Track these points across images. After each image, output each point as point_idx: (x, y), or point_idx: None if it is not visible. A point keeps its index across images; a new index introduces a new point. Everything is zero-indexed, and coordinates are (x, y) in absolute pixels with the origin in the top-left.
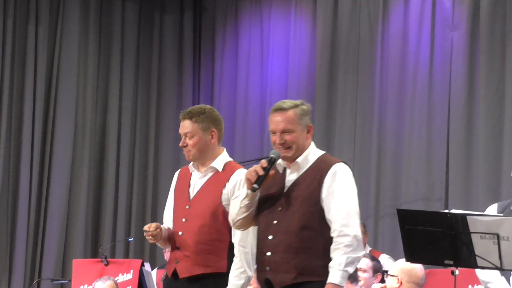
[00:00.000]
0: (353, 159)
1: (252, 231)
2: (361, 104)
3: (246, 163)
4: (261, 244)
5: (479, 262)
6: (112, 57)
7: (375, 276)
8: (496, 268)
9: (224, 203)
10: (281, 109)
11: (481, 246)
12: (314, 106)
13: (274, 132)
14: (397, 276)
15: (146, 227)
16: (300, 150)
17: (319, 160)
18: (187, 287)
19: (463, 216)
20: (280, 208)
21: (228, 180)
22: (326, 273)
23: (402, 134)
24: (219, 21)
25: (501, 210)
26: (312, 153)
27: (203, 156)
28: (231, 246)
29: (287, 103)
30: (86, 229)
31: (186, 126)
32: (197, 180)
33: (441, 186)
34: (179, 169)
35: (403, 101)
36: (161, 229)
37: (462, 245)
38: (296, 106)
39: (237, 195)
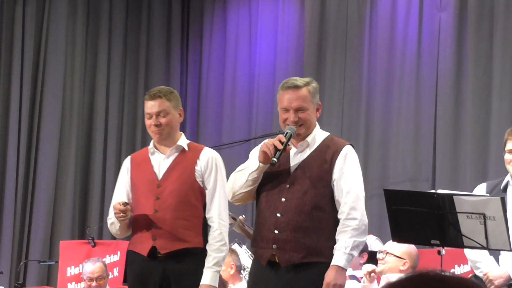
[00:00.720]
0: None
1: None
2: (349, 85)
3: (232, 145)
4: (267, 222)
5: (466, 242)
6: (100, 37)
7: (361, 256)
8: (482, 247)
9: (198, 179)
10: (295, 87)
11: (468, 226)
12: None
13: (286, 110)
14: (405, 260)
15: (118, 206)
16: (310, 129)
17: (328, 141)
18: (165, 265)
19: (450, 196)
20: (288, 186)
21: (198, 158)
22: (333, 255)
23: (390, 115)
24: (207, 1)
25: (490, 190)
26: (319, 133)
27: (172, 135)
28: (205, 223)
29: (300, 80)
30: (74, 211)
31: (159, 105)
32: (162, 161)
33: (428, 167)
34: (129, 156)
35: (391, 81)
36: (129, 208)
37: (449, 225)
38: (308, 83)
39: (242, 167)
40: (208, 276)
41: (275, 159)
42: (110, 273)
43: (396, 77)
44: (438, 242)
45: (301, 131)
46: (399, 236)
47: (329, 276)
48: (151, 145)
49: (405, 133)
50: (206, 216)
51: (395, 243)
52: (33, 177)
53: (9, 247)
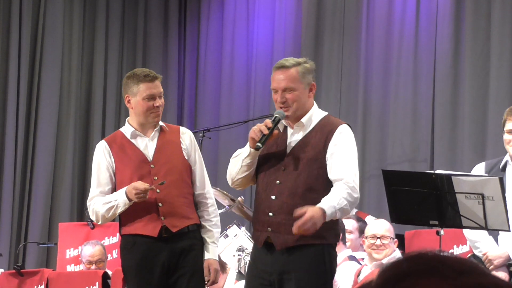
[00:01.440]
0: None
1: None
2: (347, 66)
3: (230, 127)
4: (263, 204)
5: (464, 222)
6: (97, 18)
7: (362, 237)
8: (480, 227)
9: (186, 157)
10: (283, 67)
11: (466, 206)
12: None
13: (276, 90)
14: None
15: (144, 186)
16: (303, 109)
17: (324, 121)
18: (172, 244)
19: (448, 177)
20: (283, 168)
21: (180, 137)
22: (327, 237)
23: (388, 95)
24: None
25: (488, 169)
26: (316, 114)
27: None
28: (195, 199)
29: (290, 60)
30: (72, 193)
31: (159, 85)
32: (148, 142)
33: (426, 147)
34: (103, 141)
35: (388, 62)
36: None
37: (447, 205)
38: (298, 64)
39: (238, 153)
40: (212, 251)
41: (259, 144)
42: (109, 255)
43: (394, 57)
44: (436, 222)
45: (289, 113)
46: (397, 216)
47: (313, 211)
48: (129, 128)
49: (403, 114)
50: (200, 192)
51: (381, 225)
52: (32, 159)
53: (8, 230)
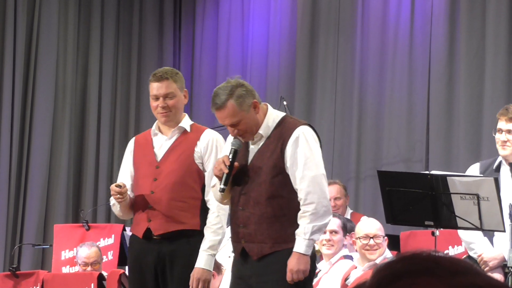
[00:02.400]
0: (334, 121)
1: None
2: (342, 66)
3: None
4: (234, 216)
5: (459, 222)
6: (92, 20)
7: (349, 236)
8: (476, 228)
9: (197, 161)
10: (218, 107)
11: (461, 207)
12: (295, 68)
13: (226, 126)
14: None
15: (114, 188)
16: (257, 126)
17: (279, 125)
18: (160, 247)
19: (443, 177)
20: (247, 179)
21: (199, 139)
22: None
23: (383, 96)
24: None
25: (483, 170)
26: (271, 119)
27: (177, 117)
28: (203, 205)
29: (221, 96)
30: (67, 194)
31: (166, 86)
32: (164, 142)
33: (421, 148)
34: (134, 138)
35: (383, 62)
36: (126, 190)
37: (443, 205)
38: (231, 95)
39: (213, 183)
40: (202, 259)
41: (222, 187)
42: (104, 257)
43: (389, 57)
44: (432, 223)
45: (250, 138)
46: (393, 217)
47: (291, 263)
48: (154, 126)
49: (398, 114)
50: (205, 198)
51: (373, 224)
52: (27, 161)
53: (3, 231)
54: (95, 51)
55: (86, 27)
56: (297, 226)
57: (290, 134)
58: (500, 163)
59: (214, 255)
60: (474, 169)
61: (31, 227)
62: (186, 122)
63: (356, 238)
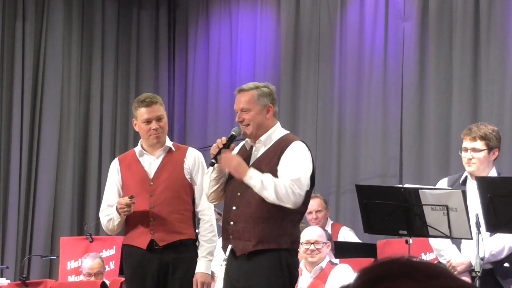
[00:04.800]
0: (316, 140)
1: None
2: (322, 90)
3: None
4: (226, 215)
5: (431, 231)
6: (94, 50)
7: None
8: (446, 236)
9: (187, 176)
10: (242, 90)
11: (432, 217)
12: (279, 92)
13: (236, 111)
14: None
15: (125, 201)
16: (262, 129)
17: (281, 138)
18: (162, 256)
19: (416, 190)
20: (242, 181)
21: (185, 157)
22: (282, 242)
23: (360, 117)
24: (192, 15)
25: (451, 184)
26: (277, 133)
27: (164, 137)
28: (194, 216)
29: (250, 85)
30: (72, 209)
31: (157, 109)
32: (152, 161)
33: (396, 164)
34: (116, 159)
35: (360, 86)
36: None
37: (415, 216)
38: (256, 87)
39: (207, 171)
40: (202, 265)
41: (213, 161)
42: (107, 266)
43: (365, 81)
44: (405, 232)
45: (248, 131)
46: (370, 227)
47: (238, 161)
48: (139, 148)
49: (374, 133)
50: (197, 209)
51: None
52: (35, 179)
53: (14, 244)
54: (97, 78)
55: (88, 57)
56: (281, 229)
57: (289, 145)
58: (466, 177)
59: (211, 260)
60: (443, 183)
61: (39, 240)
62: (169, 142)
63: (300, 244)
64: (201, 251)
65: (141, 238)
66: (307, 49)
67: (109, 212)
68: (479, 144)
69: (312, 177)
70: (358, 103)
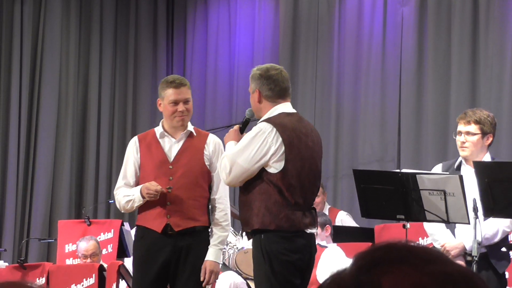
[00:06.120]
0: (314, 124)
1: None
2: (320, 74)
3: (215, 131)
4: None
5: (428, 216)
6: (92, 34)
7: (325, 229)
8: (443, 221)
9: (206, 163)
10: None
11: (430, 202)
12: None
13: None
14: None
15: (156, 188)
16: (259, 113)
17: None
18: (175, 241)
19: (413, 175)
20: None
21: (206, 143)
22: (259, 223)
23: (358, 101)
24: (190, 0)
25: (445, 169)
26: (264, 118)
27: (188, 121)
28: (209, 203)
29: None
30: (70, 193)
31: (185, 92)
32: (173, 144)
33: (393, 148)
34: (136, 138)
35: (358, 71)
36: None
37: (412, 201)
38: (253, 71)
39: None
40: (213, 253)
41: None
42: (104, 249)
43: (363, 66)
44: (403, 216)
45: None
46: (367, 212)
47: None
48: (160, 129)
49: (372, 118)
50: (214, 197)
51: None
52: (33, 163)
53: (12, 227)
54: (95, 62)
55: (87, 41)
56: (256, 210)
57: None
58: (460, 162)
59: (222, 249)
60: (437, 169)
61: (37, 223)
62: (190, 126)
63: None
64: (213, 239)
65: (156, 221)
66: (305, 33)
67: (129, 193)
68: (473, 128)
69: (293, 159)
70: (356, 87)
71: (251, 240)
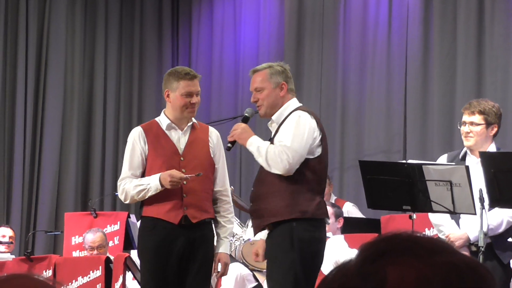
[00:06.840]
0: (320, 116)
1: None
2: (326, 66)
3: (220, 123)
4: (249, 197)
5: (434, 207)
6: (97, 27)
7: (338, 221)
8: (449, 212)
9: (212, 155)
10: (256, 71)
11: (436, 193)
12: None
13: (252, 92)
14: None
15: (181, 175)
16: (276, 107)
17: (290, 113)
18: (189, 233)
19: (419, 166)
20: None
21: (208, 135)
22: (287, 212)
23: (364, 93)
24: None
25: (450, 160)
26: (289, 109)
27: None
28: (214, 195)
29: (263, 65)
30: (76, 185)
31: (197, 84)
32: (180, 135)
33: (399, 139)
34: (140, 128)
35: (364, 62)
36: None
37: (419, 192)
38: (269, 66)
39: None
40: (225, 245)
41: (229, 145)
42: (111, 241)
43: (368, 57)
44: (409, 207)
45: (261, 111)
46: (373, 203)
47: (244, 129)
48: (166, 120)
49: (378, 109)
50: (219, 189)
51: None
52: (39, 156)
53: (19, 219)
54: (100, 55)
55: (92, 34)
56: (284, 201)
57: (289, 116)
58: (465, 153)
59: (230, 240)
60: (442, 159)
61: (44, 215)
62: (193, 118)
63: None
64: (222, 232)
65: (172, 213)
66: (311, 25)
67: (143, 182)
68: (477, 118)
69: (325, 146)
70: (362, 79)
71: (259, 232)
